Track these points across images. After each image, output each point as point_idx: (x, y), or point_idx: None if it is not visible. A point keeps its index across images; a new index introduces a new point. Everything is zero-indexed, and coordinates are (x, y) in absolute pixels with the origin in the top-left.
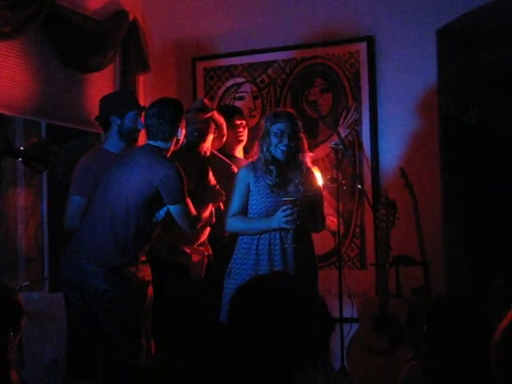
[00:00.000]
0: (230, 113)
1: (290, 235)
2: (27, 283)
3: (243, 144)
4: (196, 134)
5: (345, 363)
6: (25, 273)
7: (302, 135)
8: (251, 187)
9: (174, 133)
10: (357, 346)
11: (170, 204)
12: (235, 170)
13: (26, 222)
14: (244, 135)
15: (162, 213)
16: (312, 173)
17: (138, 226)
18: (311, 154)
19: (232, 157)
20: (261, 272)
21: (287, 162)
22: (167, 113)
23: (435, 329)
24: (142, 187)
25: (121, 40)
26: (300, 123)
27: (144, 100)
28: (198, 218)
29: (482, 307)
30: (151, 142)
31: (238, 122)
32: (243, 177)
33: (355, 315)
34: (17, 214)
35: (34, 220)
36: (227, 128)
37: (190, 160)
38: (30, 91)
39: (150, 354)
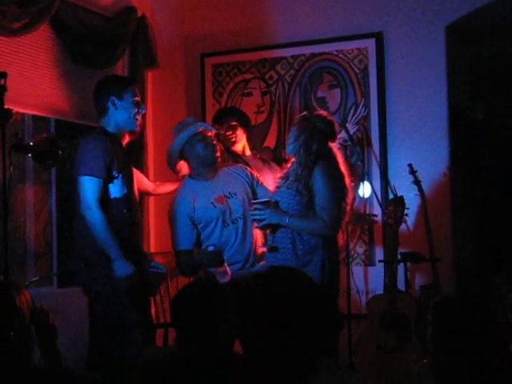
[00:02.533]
0: (220, 116)
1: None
2: (36, 278)
3: (239, 143)
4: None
5: (353, 360)
6: (33, 268)
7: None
8: None
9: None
10: (365, 342)
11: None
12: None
13: (35, 217)
14: (234, 136)
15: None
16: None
17: None
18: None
19: (237, 156)
20: None
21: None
22: (97, 88)
23: (441, 328)
24: None
25: (129, 36)
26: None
27: (152, 96)
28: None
29: (489, 303)
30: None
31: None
32: None
33: (363, 312)
34: (25, 210)
35: (43, 215)
36: (220, 130)
37: None
38: (39, 87)
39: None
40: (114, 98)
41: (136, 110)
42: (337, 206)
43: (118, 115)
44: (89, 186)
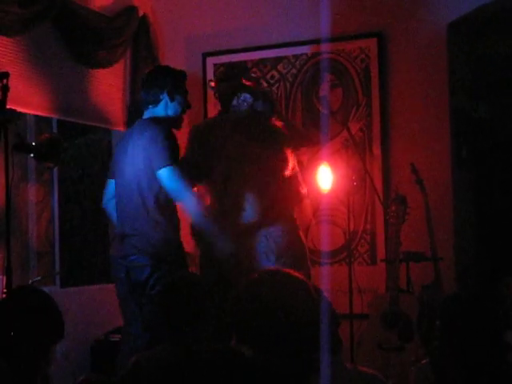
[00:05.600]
0: None
1: None
2: (38, 278)
3: None
4: None
5: (354, 359)
6: (36, 268)
7: None
8: None
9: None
10: (367, 342)
11: (156, 169)
12: None
13: (37, 217)
14: None
15: None
16: None
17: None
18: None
19: None
20: None
21: None
22: (152, 78)
23: (448, 325)
24: (141, 158)
25: (131, 36)
26: None
27: None
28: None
29: (494, 303)
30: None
31: None
32: None
33: (365, 311)
34: (28, 210)
35: (45, 215)
36: None
37: None
38: (41, 87)
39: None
40: (172, 89)
41: (186, 105)
42: None
43: (170, 108)
44: (174, 175)
